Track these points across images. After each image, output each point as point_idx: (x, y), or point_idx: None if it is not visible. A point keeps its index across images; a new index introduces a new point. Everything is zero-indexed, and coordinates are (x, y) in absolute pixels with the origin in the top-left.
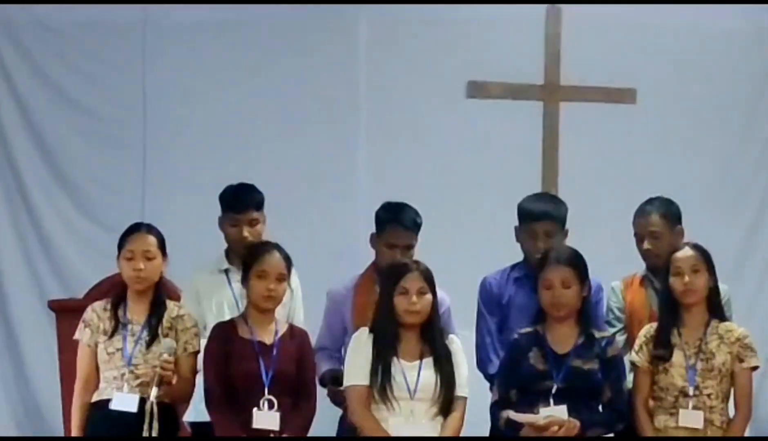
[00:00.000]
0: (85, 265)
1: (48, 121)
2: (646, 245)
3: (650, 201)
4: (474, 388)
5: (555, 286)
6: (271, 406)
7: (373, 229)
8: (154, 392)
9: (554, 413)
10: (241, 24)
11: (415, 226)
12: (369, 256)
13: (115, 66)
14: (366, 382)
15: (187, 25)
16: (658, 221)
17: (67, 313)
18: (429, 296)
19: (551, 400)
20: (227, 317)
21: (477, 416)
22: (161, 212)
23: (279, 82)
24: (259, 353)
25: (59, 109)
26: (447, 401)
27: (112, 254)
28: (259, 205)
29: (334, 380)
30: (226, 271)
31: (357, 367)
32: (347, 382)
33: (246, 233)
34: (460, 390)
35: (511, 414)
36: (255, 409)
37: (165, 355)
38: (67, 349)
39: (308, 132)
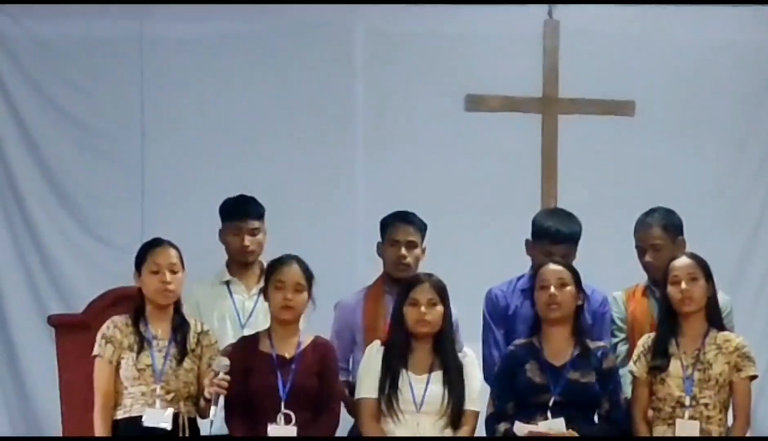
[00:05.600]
0: (84, 280)
1: (46, 137)
2: (647, 258)
3: (651, 212)
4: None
5: (551, 284)
6: (288, 420)
7: (373, 243)
8: (212, 411)
9: (553, 426)
10: (239, 38)
11: (417, 224)
12: (368, 269)
13: (113, 82)
14: (375, 394)
15: (184, 40)
16: (660, 234)
17: (67, 327)
18: (440, 308)
19: (549, 413)
20: (229, 329)
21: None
22: (160, 227)
23: (277, 97)
24: (278, 367)
25: (57, 125)
26: (456, 415)
27: (111, 269)
28: (260, 215)
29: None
30: (228, 283)
31: (367, 380)
32: (358, 394)
33: (247, 242)
34: (472, 404)
35: (517, 426)
36: (271, 424)
37: (221, 374)
38: (66, 363)
39: (307, 146)
